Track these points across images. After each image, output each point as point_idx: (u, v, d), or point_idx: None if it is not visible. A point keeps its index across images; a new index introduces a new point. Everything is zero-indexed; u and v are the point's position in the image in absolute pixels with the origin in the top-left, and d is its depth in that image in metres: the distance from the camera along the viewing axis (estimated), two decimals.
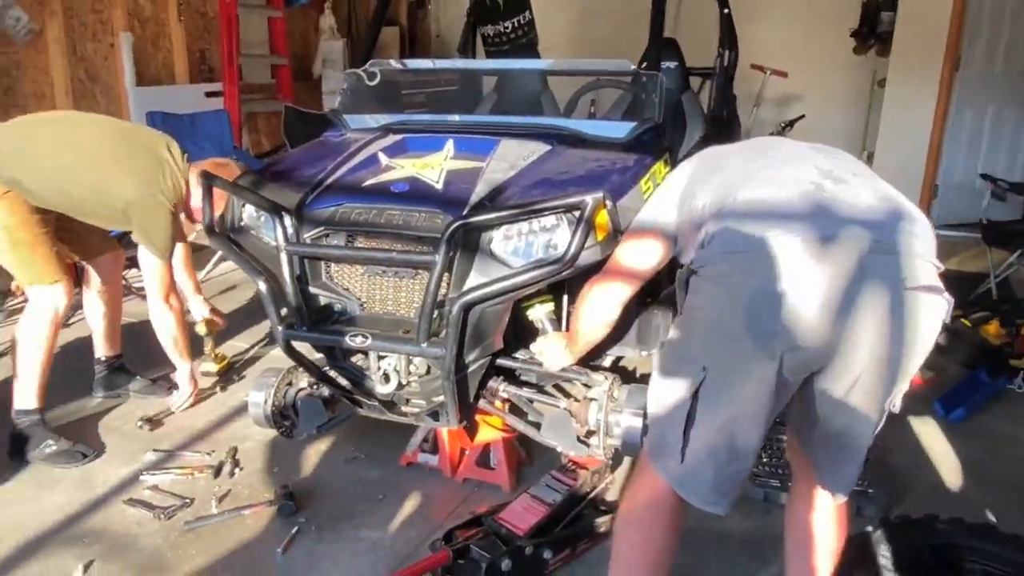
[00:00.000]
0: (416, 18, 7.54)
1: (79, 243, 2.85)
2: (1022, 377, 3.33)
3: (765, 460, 2.64)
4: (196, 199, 2.58)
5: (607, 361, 3.01)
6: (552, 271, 1.89)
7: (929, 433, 2.95)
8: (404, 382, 2.10)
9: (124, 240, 3.01)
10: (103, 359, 3.08)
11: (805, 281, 1.38)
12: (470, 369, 2.08)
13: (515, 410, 2.46)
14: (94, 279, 2.98)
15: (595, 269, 2.05)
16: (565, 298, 2.41)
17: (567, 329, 2.39)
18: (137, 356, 3.25)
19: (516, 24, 6.24)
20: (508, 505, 2.22)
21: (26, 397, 2.65)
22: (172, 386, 3.16)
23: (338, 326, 2.06)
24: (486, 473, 2.57)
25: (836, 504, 1.73)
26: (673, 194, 1.71)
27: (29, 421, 2.65)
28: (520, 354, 2.33)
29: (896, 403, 1.59)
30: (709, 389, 1.46)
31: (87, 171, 2.56)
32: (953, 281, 5.04)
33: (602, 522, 2.27)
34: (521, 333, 2.36)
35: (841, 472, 1.66)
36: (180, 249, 2.92)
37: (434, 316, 1.94)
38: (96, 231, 2.85)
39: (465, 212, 1.96)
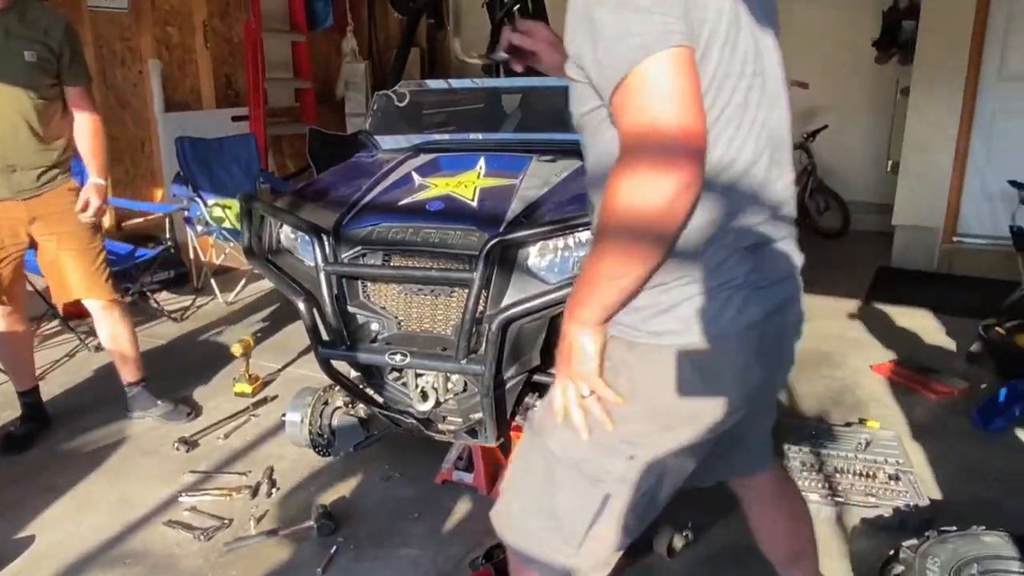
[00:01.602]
0: (436, 40, 7.61)
1: (59, 283, 2.91)
2: None
3: (806, 475, 2.61)
4: None
5: None
6: None
7: (968, 445, 2.90)
8: (442, 399, 2.10)
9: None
10: (125, 384, 3.13)
11: (746, 361, 1.25)
12: (508, 386, 2.09)
13: None
14: (95, 318, 3.03)
15: None
16: None
17: None
18: (162, 379, 3.29)
19: None
20: None
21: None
22: (194, 411, 3.18)
23: (376, 345, 2.08)
24: None
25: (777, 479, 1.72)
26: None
27: None
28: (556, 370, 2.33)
29: None
30: (631, 474, 1.28)
31: None
32: (985, 289, 4.99)
33: (642, 538, 2.25)
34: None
35: (739, 457, 1.60)
36: (88, 120, 2.83)
37: (472, 333, 1.95)
38: (78, 273, 2.86)
39: (502, 229, 1.98)
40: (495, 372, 1.97)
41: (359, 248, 2.09)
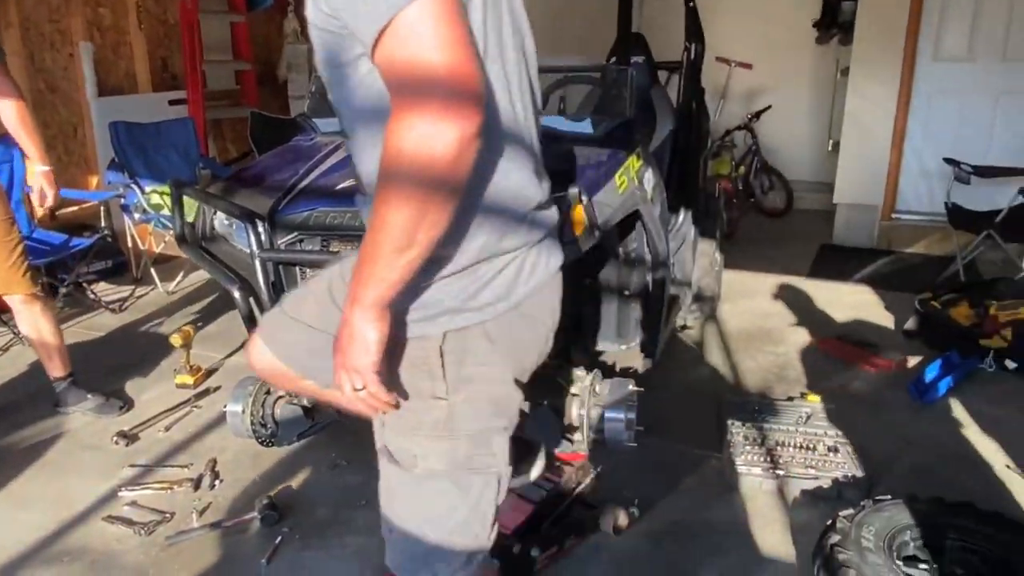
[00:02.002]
0: None
1: None
2: (992, 357, 3.39)
3: (748, 448, 2.66)
4: None
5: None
6: None
7: (904, 416, 2.99)
8: None
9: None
10: (52, 379, 3.03)
11: (557, 297, 1.37)
12: None
13: None
14: (15, 313, 2.93)
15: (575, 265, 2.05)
16: None
17: None
18: (100, 371, 3.20)
19: None
20: None
21: None
22: (126, 404, 3.09)
23: None
24: None
25: None
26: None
27: None
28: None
29: None
30: (509, 442, 1.31)
31: None
32: (922, 264, 5.13)
33: (588, 518, 2.27)
34: None
35: None
36: (9, 99, 2.71)
37: None
38: None
39: None
40: None
41: (296, 234, 2.05)
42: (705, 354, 3.60)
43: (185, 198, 2.19)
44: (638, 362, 2.84)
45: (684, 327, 3.73)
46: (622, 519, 2.28)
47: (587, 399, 2.17)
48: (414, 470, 1.24)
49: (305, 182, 2.18)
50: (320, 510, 2.44)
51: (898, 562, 1.96)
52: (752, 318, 4.03)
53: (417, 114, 0.95)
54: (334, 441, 2.77)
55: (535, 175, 1.23)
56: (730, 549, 2.23)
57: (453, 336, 1.18)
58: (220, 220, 2.19)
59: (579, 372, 2.24)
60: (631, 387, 2.20)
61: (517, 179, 1.17)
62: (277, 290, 2.05)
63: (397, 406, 1.18)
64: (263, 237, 2.01)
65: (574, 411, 2.19)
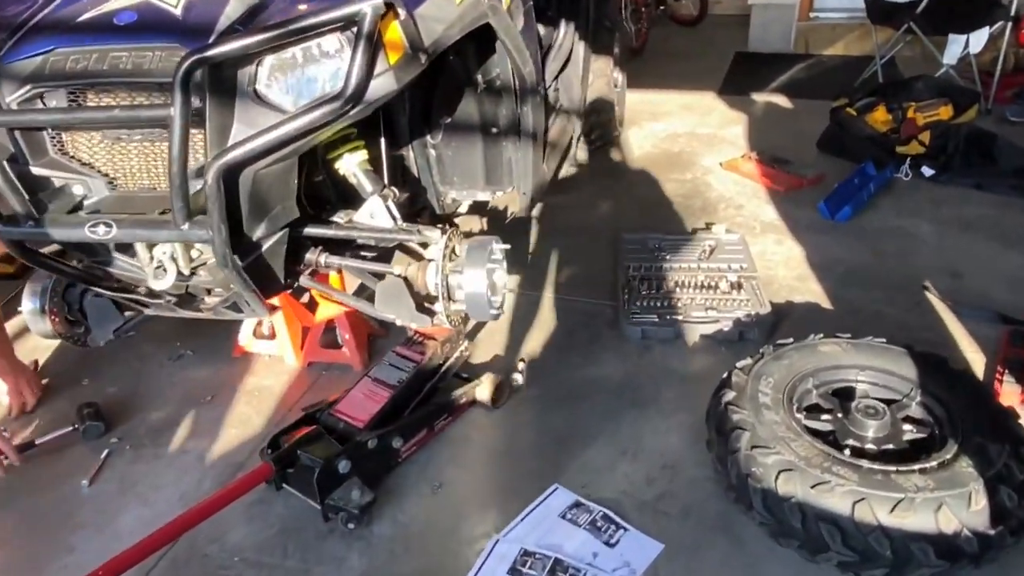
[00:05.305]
0: None
1: None
2: (909, 164, 3.14)
3: (645, 293, 2.39)
4: None
5: (464, 207, 2.65)
6: (333, 110, 1.44)
7: (815, 239, 2.73)
8: (185, 272, 1.67)
9: None
10: None
11: None
12: (264, 247, 1.67)
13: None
14: None
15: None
16: (383, 142, 1.98)
17: (391, 182, 1.99)
18: None
19: None
20: (347, 394, 1.90)
21: None
22: None
23: (72, 216, 1.59)
24: (334, 354, 2.26)
25: None
26: None
27: None
28: (339, 216, 1.93)
29: None
30: None
31: None
32: (839, 67, 4.65)
33: (461, 393, 1.99)
34: (333, 193, 1.94)
35: None
36: None
37: (185, 188, 1.49)
38: None
39: (211, 41, 1.47)
40: (235, 234, 1.54)
41: (30, 87, 1.55)
42: (604, 189, 3.25)
43: None
44: (517, 209, 2.49)
45: (576, 163, 3.34)
46: (503, 388, 2.01)
47: (443, 264, 1.81)
48: None
49: (38, 18, 1.64)
50: (157, 412, 2.12)
51: (799, 415, 1.75)
52: (658, 142, 3.67)
53: None
54: (179, 329, 2.40)
55: None
56: (623, 413, 1.99)
57: None
58: None
59: (433, 233, 1.85)
60: (495, 244, 1.84)
61: None
62: (19, 164, 1.57)
63: None
64: None
65: (430, 279, 1.83)
